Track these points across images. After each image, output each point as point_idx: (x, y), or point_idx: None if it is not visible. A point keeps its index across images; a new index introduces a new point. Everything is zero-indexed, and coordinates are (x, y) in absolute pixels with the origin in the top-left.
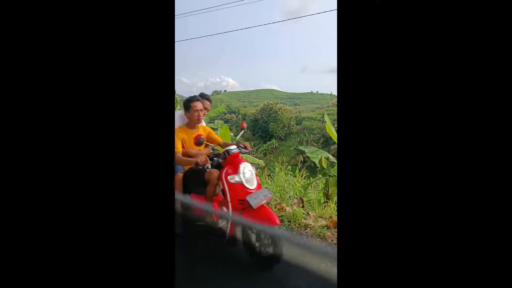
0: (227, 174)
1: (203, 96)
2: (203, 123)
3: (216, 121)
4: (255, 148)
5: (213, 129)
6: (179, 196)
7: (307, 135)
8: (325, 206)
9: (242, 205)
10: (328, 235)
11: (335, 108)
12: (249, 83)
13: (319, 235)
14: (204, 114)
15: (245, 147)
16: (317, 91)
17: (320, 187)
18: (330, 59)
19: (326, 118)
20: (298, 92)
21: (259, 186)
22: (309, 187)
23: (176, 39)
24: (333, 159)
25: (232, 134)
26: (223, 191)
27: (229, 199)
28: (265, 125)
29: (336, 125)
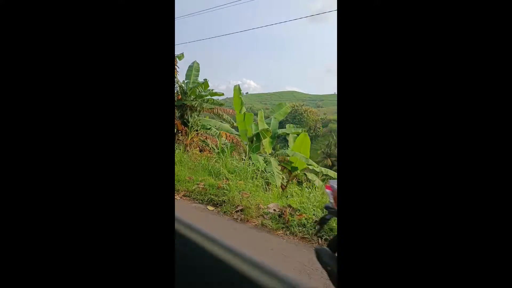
0: None
1: None
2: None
3: (288, 125)
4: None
5: (286, 134)
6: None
7: (335, 137)
8: None
9: None
10: None
11: None
12: (271, 85)
13: None
14: None
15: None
16: None
17: None
18: None
19: None
20: (320, 94)
21: None
22: None
23: (193, 39)
24: None
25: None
26: None
27: None
28: None
29: None
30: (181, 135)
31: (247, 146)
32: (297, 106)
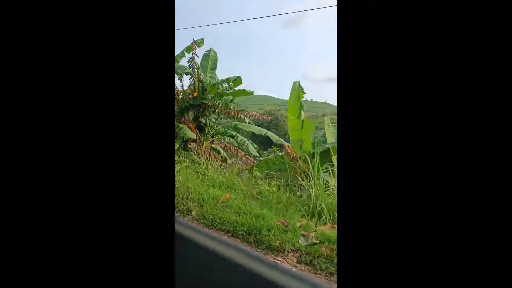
0: None
1: None
2: None
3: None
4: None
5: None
6: None
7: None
8: None
9: None
10: None
11: (333, 117)
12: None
13: None
14: None
15: None
16: (312, 99)
17: None
18: (328, 68)
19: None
20: None
21: None
22: None
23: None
24: None
25: None
26: None
27: None
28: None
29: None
30: (195, 142)
31: (304, 162)
32: (273, 110)
